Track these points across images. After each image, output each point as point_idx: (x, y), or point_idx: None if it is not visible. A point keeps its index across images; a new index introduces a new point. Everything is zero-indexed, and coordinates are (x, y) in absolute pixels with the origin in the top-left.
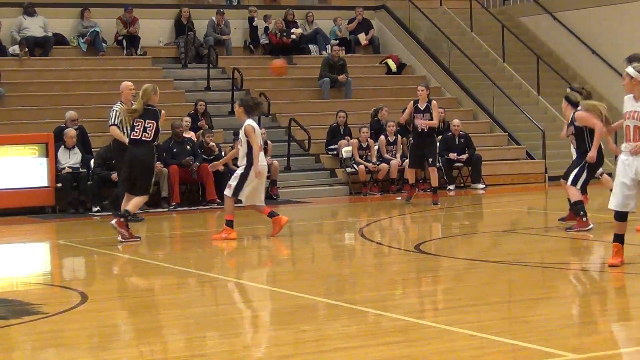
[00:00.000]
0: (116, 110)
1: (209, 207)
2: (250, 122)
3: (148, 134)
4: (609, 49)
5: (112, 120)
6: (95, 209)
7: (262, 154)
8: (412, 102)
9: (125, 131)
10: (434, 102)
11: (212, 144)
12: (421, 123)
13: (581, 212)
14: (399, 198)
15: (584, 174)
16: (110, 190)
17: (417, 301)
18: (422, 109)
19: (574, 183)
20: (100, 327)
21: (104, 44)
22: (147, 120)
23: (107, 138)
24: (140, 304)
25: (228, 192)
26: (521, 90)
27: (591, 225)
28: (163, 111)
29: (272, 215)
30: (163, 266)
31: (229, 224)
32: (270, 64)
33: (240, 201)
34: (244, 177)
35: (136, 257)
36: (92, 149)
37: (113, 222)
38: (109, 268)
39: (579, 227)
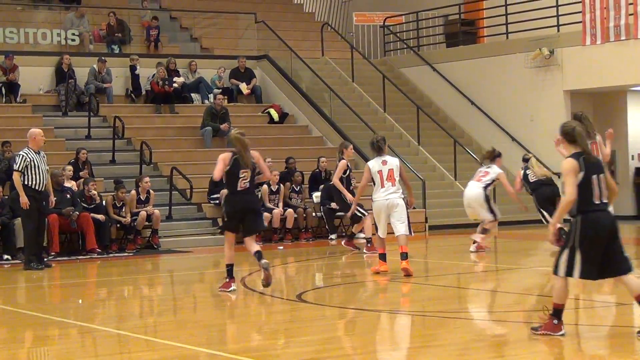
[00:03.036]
0: (22, 156)
1: (88, 256)
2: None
3: None
4: (487, 100)
5: (17, 166)
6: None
7: (382, 189)
8: (343, 160)
9: (30, 177)
10: None
11: (93, 192)
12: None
13: None
14: (281, 247)
15: None
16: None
17: (299, 351)
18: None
19: None
20: None
21: None
22: None
23: None
24: (20, 356)
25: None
26: (402, 140)
27: None
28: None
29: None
30: (41, 317)
31: (382, 257)
32: None
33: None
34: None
35: (13, 307)
36: None
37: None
38: None
39: None
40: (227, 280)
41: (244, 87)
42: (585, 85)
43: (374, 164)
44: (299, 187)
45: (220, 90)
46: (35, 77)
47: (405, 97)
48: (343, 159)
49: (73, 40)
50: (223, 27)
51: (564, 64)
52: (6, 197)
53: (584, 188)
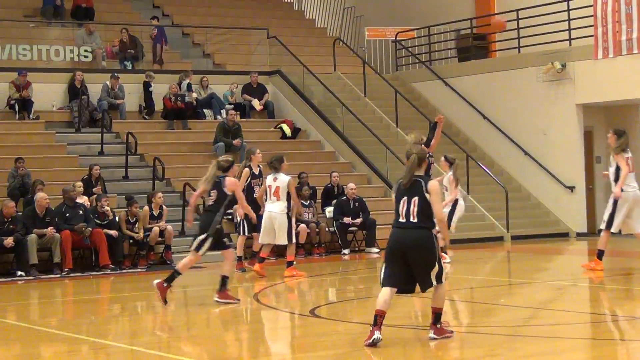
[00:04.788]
0: None
1: (102, 272)
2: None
3: None
4: (499, 114)
5: None
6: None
7: (269, 201)
8: (247, 168)
9: None
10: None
11: (106, 208)
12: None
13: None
14: (294, 263)
15: None
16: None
17: None
18: (257, 174)
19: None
20: None
21: None
22: None
23: None
24: None
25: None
26: None
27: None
28: None
29: None
30: (55, 333)
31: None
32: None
33: None
34: None
35: (27, 324)
36: None
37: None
38: None
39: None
40: None
41: (256, 103)
42: (597, 99)
43: (268, 180)
44: (308, 202)
45: (233, 105)
46: (48, 93)
47: (417, 111)
48: (249, 165)
49: (86, 56)
50: (235, 43)
51: (576, 78)
52: (20, 213)
53: (396, 208)
